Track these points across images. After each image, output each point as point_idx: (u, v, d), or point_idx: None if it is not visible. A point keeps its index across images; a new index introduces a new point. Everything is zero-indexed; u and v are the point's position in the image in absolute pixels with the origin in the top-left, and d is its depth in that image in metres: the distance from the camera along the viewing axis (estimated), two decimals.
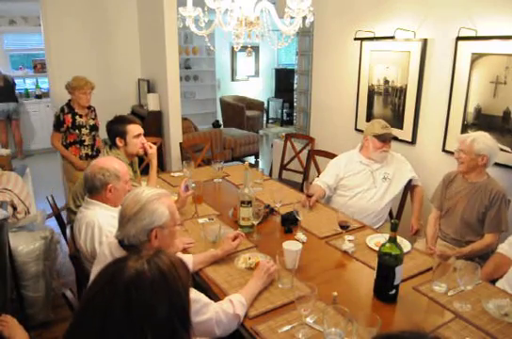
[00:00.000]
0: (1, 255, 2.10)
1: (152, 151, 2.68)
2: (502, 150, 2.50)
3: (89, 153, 3.63)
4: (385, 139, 2.65)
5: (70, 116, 3.50)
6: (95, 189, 1.96)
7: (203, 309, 1.43)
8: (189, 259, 1.84)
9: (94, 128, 3.63)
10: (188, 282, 0.99)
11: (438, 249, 2.27)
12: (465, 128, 2.69)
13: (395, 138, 2.73)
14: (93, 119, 3.63)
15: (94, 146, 3.66)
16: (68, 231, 2.13)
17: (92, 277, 1.54)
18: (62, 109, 3.52)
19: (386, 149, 2.68)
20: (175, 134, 4.24)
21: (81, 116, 3.54)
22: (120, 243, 1.51)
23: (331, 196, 2.84)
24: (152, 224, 1.46)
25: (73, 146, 3.58)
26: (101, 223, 1.88)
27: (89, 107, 3.63)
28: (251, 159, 6.43)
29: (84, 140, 3.59)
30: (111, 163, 2.01)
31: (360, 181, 2.73)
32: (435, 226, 2.51)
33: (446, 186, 2.48)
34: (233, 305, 1.51)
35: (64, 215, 2.72)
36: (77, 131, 3.53)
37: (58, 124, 3.50)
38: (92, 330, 0.90)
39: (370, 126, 2.75)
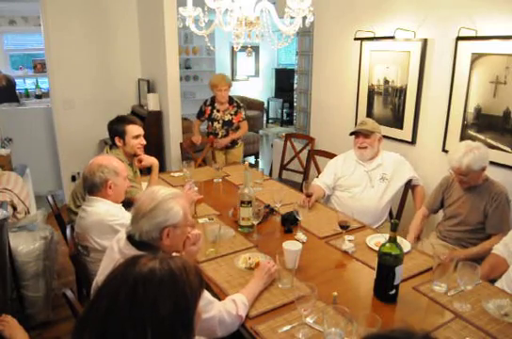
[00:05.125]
0: (1, 255, 2.10)
1: (151, 161, 2.72)
2: (502, 150, 2.50)
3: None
4: (357, 135, 2.71)
5: (209, 108, 3.94)
6: (95, 187, 2.00)
7: (207, 307, 1.42)
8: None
9: (228, 123, 3.94)
10: (199, 289, 1.00)
11: (435, 249, 2.26)
12: (465, 128, 2.69)
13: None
14: (232, 114, 3.93)
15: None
16: (68, 231, 2.12)
17: (101, 270, 1.59)
18: (206, 101, 4.00)
19: (360, 145, 2.70)
20: (175, 134, 4.24)
21: (218, 110, 3.92)
22: (130, 239, 1.51)
23: (330, 196, 2.85)
24: (166, 222, 1.47)
25: (211, 136, 3.99)
26: (109, 212, 1.96)
27: (232, 103, 3.94)
28: (251, 159, 6.43)
29: (217, 133, 3.95)
30: (109, 160, 2.06)
31: (355, 181, 2.74)
32: (420, 223, 2.53)
33: (443, 191, 2.48)
34: (237, 306, 1.52)
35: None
36: (210, 123, 3.96)
37: (199, 113, 4.02)
38: (99, 313, 0.92)
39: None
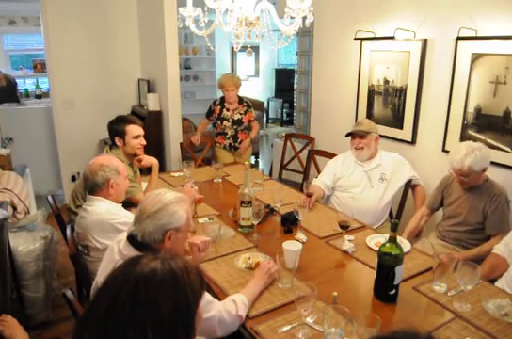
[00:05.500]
0: (1, 255, 2.10)
1: (151, 160, 2.70)
2: (502, 150, 2.50)
3: (232, 143, 3.97)
4: (353, 136, 2.73)
5: (219, 108, 3.93)
6: (97, 187, 2.01)
7: (207, 306, 1.42)
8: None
9: (237, 122, 3.91)
10: (200, 290, 1.00)
11: (435, 249, 2.26)
12: (465, 128, 2.69)
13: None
14: (241, 114, 3.91)
15: (238, 138, 3.95)
16: (68, 231, 2.13)
17: (100, 271, 1.60)
18: (215, 101, 4.00)
19: (356, 146, 2.72)
20: (175, 134, 4.24)
21: (228, 110, 3.92)
22: (130, 240, 1.52)
23: (330, 196, 2.85)
24: (170, 225, 1.48)
25: (220, 136, 3.99)
26: (110, 211, 1.96)
27: (242, 103, 3.94)
28: (251, 159, 6.43)
29: (226, 132, 3.94)
30: (109, 160, 2.08)
31: (355, 181, 2.74)
32: (418, 222, 2.54)
33: (443, 190, 2.48)
34: (237, 306, 1.52)
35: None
36: (219, 122, 3.92)
37: (208, 112, 4.03)
38: (99, 313, 0.92)
39: None
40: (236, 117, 3.91)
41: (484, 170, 2.22)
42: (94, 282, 1.61)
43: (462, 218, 2.35)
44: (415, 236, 2.60)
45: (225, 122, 3.91)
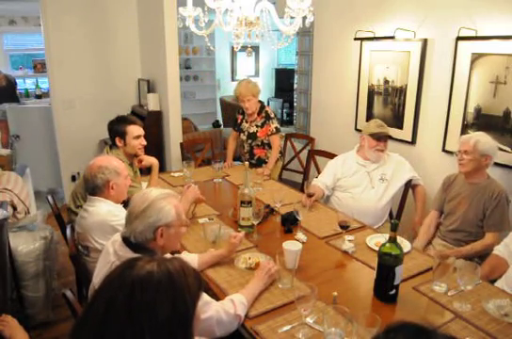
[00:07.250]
0: (1, 255, 2.10)
1: (151, 160, 2.71)
2: (502, 150, 2.50)
3: (248, 158, 3.50)
4: (379, 138, 2.68)
5: (241, 117, 3.51)
6: (98, 189, 2.00)
7: (204, 307, 1.42)
8: (194, 259, 1.85)
9: (252, 136, 3.42)
10: (198, 292, 0.99)
11: (436, 250, 2.26)
12: (465, 128, 2.69)
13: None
14: (258, 126, 3.38)
15: (254, 155, 3.49)
16: (68, 231, 2.13)
17: (97, 272, 1.60)
18: (239, 109, 3.53)
19: (380, 148, 2.69)
20: (175, 134, 4.24)
21: (246, 121, 3.46)
22: (125, 241, 1.52)
23: (330, 196, 2.85)
24: (159, 222, 1.48)
25: (242, 145, 3.59)
26: (111, 213, 1.96)
27: (260, 114, 3.37)
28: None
29: (244, 145, 3.55)
30: (109, 160, 2.07)
31: (356, 181, 2.74)
32: (429, 226, 2.52)
33: (446, 189, 2.48)
34: (235, 305, 1.52)
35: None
36: (239, 133, 3.55)
37: (234, 123, 3.58)
38: (97, 316, 0.92)
39: (366, 126, 2.81)
40: (252, 130, 3.40)
41: (486, 159, 2.24)
42: (91, 284, 1.61)
43: (461, 214, 2.35)
44: (427, 245, 2.58)
45: (242, 135, 3.48)
